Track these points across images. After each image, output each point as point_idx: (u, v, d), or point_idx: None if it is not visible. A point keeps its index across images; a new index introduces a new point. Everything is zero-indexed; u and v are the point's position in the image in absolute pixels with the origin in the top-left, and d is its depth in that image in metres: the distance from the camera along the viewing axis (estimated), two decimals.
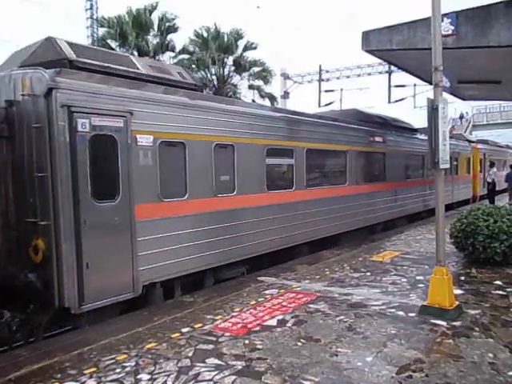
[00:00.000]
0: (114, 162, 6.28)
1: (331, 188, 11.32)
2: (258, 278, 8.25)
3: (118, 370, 4.56)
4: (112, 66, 6.83)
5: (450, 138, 22.49)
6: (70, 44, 6.64)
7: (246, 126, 8.63)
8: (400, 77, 27.65)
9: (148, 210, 6.71)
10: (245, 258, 8.62)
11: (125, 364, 4.70)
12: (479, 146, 25.23)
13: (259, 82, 28.63)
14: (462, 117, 46.79)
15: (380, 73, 28.12)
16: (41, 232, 5.75)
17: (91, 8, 31.44)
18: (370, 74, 28.83)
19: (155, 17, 26.30)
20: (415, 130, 16.59)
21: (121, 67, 6.99)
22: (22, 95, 5.85)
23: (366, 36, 11.30)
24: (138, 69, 7.32)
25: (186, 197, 7.38)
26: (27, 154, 5.91)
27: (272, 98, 29.17)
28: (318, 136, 10.75)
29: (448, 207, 17.41)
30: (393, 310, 6.29)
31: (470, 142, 24.23)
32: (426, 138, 15.87)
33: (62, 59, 6.28)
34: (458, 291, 6.84)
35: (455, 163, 19.94)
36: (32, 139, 5.83)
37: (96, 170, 6.04)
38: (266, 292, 7.33)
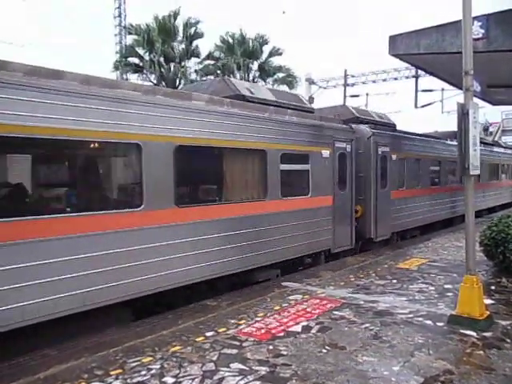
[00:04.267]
0: (385, 169, 12.28)
1: (442, 187, 16.53)
2: (282, 284, 8.22)
3: (143, 373, 4.60)
4: (366, 117, 12.65)
5: (507, 148, 25.28)
6: (353, 107, 13.32)
7: (410, 147, 14.12)
8: (427, 81, 27.37)
9: (394, 194, 12.70)
10: (414, 227, 14.48)
11: (150, 366, 4.74)
12: None
13: (284, 88, 28.64)
14: (486, 129, 43.60)
15: (407, 77, 27.77)
16: (359, 202, 11.48)
17: (119, 16, 32.08)
18: (396, 79, 28.51)
19: (180, 23, 26.68)
20: (493, 144, 23.07)
21: (366, 117, 12.67)
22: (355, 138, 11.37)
23: (393, 40, 11.13)
24: (373, 117, 13.00)
25: (403, 188, 13.41)
26: (354, 165, 11.17)
27: None
28: (435, 151, 15.88)
29: (509, 204, 23.72)
30: (420, 319, 6.16)
31: None
32: (500, 149, 21.41)
33: (355, 117, 12.17)
34: (488, 301, 6.65)
35: None
36: (356, 158, 11.25)
37: (380, 173, 11.98)
38: (290, 298, 7.30)
